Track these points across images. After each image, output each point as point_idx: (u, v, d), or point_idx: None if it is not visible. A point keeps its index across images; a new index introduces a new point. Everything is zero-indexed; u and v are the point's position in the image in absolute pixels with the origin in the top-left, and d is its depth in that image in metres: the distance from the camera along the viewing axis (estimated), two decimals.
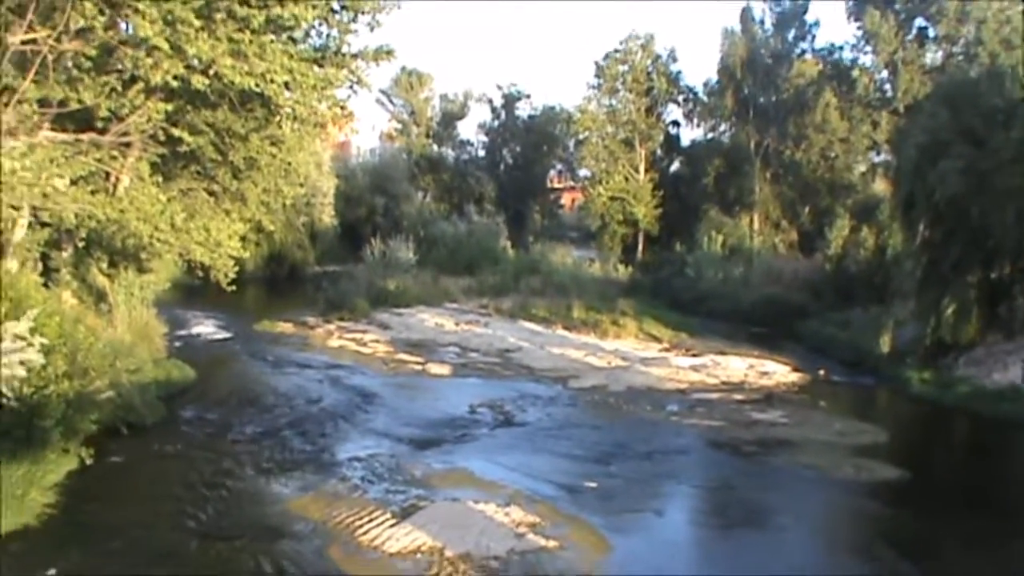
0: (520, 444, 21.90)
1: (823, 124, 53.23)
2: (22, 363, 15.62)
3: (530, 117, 77.96)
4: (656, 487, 19.59)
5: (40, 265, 23.27)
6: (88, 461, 17.35)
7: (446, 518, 16.33)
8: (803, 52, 56.65)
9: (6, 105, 16.30)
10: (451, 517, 16.43)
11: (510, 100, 77.51)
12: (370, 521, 16.05)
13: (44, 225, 21.56)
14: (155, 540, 15.31)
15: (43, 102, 18.60)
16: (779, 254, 51.60)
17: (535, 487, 18.29)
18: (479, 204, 71.52)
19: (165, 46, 17.63)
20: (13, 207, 18.51)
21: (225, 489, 18.02)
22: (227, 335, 36.49)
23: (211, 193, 25.95)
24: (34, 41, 17.54)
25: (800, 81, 54.77)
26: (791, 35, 57.13)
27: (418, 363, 31.54)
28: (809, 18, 57.14)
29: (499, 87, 78.62)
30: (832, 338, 35.13)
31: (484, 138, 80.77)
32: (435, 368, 30.85)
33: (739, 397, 27.25)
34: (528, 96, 78.04)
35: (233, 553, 15.00)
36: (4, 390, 15.25)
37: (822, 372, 30.97)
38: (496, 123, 78.93)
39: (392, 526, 15.82)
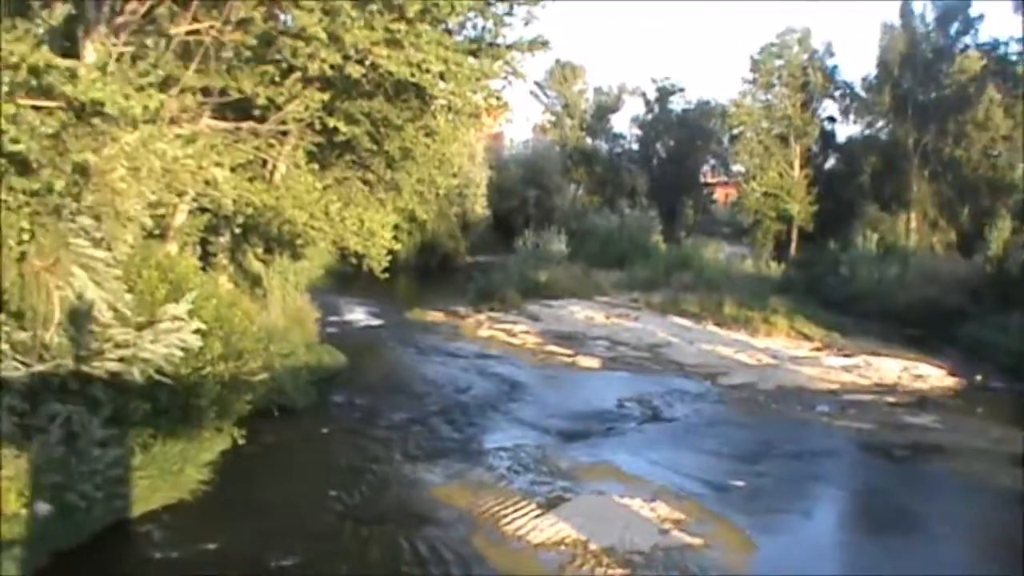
0: (667, 440, 21.56)
1: (985, 121, 51.04)
2: (180, 342, 15.91)
3: (684, 111, 76.95)
4: (804, 488, 19.01)
5: (199, 249, 23.80)
6: (240, 441, 17.67)
7: (591, 511, 16.14)
8: (966, 47, 54.35)
9: (169, 94, 16.58)
10: (596, 510, 16.23)
11: (664, 93, 76.63)
12: (515, 511, 15.99)
13: (204, 211, 21.97)
14: (305, 520, 15.53)
15: (204, 91, 18.92)
16: (936, 254, 49.72)
17: (681, 483, 17.93)
18: (631, 198, 70.87)
19: (323, 36, 17.73)
20: (177, 193, 18.87)
21: (373, 473, 18.17)
22: (378, 322, 36.94)
23: (366, 182, 26.11)
24: (197, 32, 17.83)
25: (962, 77, 52.62)
26: (953, 30, 55.03)
27: (567, 355, 31.34)
28: (972, 12, 54.89)
29: (653, 80, 77.63)
30: (991, 343, 33.39)
31: (637, 131, 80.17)
32: (584, 361, 30.60)
33: (891, 400, 26.24)
34: (682, 90, 77.05)
35: (381, 536, 15.16)
36: (163, 366, 15.55)
37: (979, 377, 29.61)
38: (650, 116, 78.18)
39: (537, 517, 15.72)
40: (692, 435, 21.96)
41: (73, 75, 13.13)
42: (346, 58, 18.39)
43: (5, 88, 11.27)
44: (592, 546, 14.48)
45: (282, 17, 19.56)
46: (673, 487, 17.61)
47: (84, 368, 14.85)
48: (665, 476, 18.38)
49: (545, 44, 22.34)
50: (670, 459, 19.68)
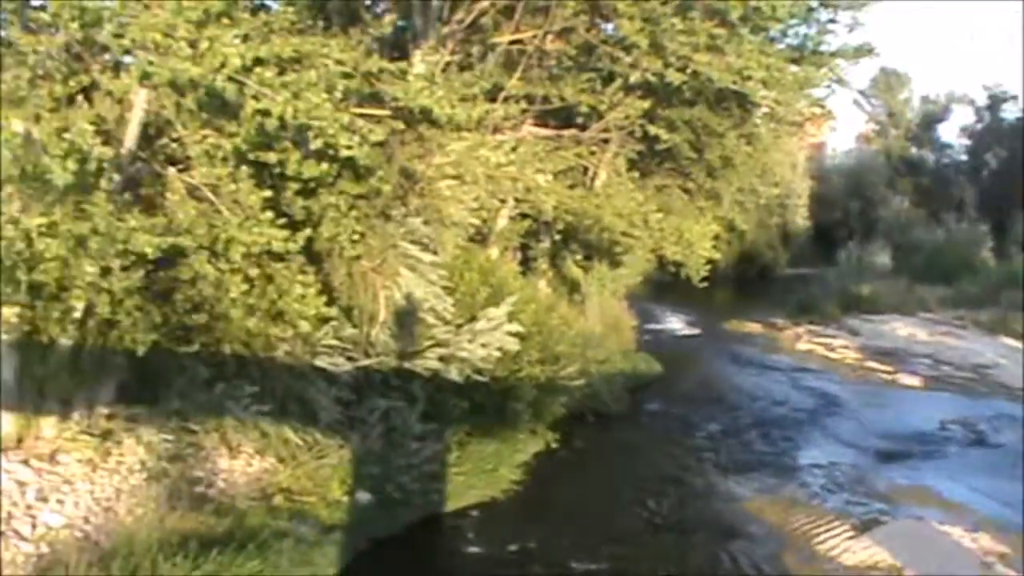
0: (992, 467, 19.80)
1: None
2: (497, 344, 16.07)
3: (1018, 119, 71.90)
4: None
5: (519, 254, 24.08)
6: (553, 444, 17.72)
7: (907, 537, 15.04)
8: None
9: (493, 101, 16.83)
10: (913, 536, 15.13)
11: (996, 101, 71.86)
12: (827, 531, 15.12)
13: (524, 216, 22.21)
14: (611, 525, 15.26)
15: (527, 99, 19.10)
16: None
17: (1007, 515, 16.35)
18: (959, 210, 66.90)
19: (644, 43, 17.53)
20: (499, 200, 19.15)
21: (683, 483, 17.78)
22: (694, 331, 36.43)
23: (686, 191, 25.74)
24: (520, 41, 18.03)
25: None
26: None
27: (887, 372, 29.69)
28: None
29: (984, 87, 73.00)
30: None
31: (966, 141, 75.57)
32: (905, 379, 28.88)
33: None
34: (1015, 97, 72.04)
35: (687, 546, 14.76)
36: (481, 366, 15.76)
37: None
38: (980, 125, 73.57)
39: (850, 538, 14.80)
40: (1021, 463, 20.23)
41: (404, 79, 13.48)
42: (667, 65, 18.07)
43: (338, 96, 11.60)
44: (907, 573, 13.52)
45: (603, 25, 19.53)
46: (998, 518, 16.13)
47: (406, 365, 15.25)
48: (989, 506, 16.86)
49: (871, 51, 21.23)
50: (995, 488, 18.05)
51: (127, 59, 10.98)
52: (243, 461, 13.47)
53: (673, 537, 15.05)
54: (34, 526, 10.54)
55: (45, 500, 11.01)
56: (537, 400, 17.53)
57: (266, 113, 10.80)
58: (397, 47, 16.03)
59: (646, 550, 14.44)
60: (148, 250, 10.46)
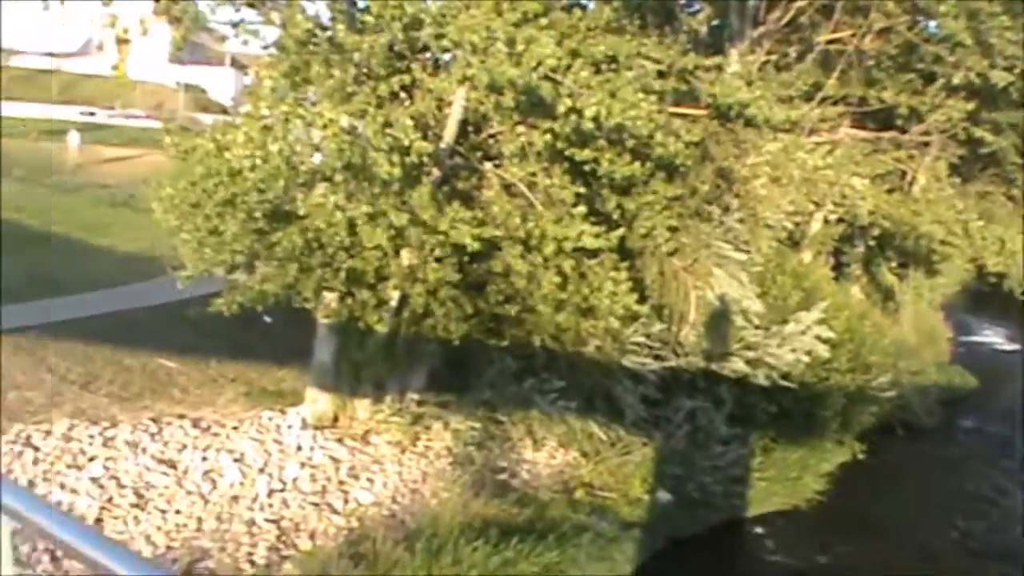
0: None
1: None
2: (807, 349, 15.19)
3: None
4: None
5: (831, 259, 22.90)
6: (860, 455, 16.80)
7: None
8: None
9: (809, 101, 15.95)
10: None
11: None
12: None
13: (839, 221, 21.10)
14: (921, 544, 14.26)
15: (844, 100, 18.08)
16: None
17: None
18: None
19: (969, 42, 16.13)
20: (814, 203, 18.21)
21: (997, 506, 16.41)
22: (1014, 346, 33.69)
23: (1010, 198, 23.75)
24: (838, 40, 17.06)
25: None
26: None
27: None
28: None
29: None
30: None
31: None
32: None
33: None
34: None
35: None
36: (788, 371, 14.95)
37: None
38: None
39: None
40: None
41: (720, 73, 12.94)
42: (992, 65, 16.56)
43: (653, 97, 11.13)
44: None
45: (924, 23, 18.20)
46: None
47: (713, 367, 14.61)
48: None
49: None
50: None
51: (446, 57, 10.94)
52: (546, 453, 13.27)
53: (988, 563, 13.91)
54: (346, 501, 10.74)
55: (356, 478, 11.21)
56: (845, 409, 16.49)
57: (580, 112, 10.45)
58: (713, 46, 15.44)
59: (960, 574, 13.28)
60: (467, 241, 10.37)
